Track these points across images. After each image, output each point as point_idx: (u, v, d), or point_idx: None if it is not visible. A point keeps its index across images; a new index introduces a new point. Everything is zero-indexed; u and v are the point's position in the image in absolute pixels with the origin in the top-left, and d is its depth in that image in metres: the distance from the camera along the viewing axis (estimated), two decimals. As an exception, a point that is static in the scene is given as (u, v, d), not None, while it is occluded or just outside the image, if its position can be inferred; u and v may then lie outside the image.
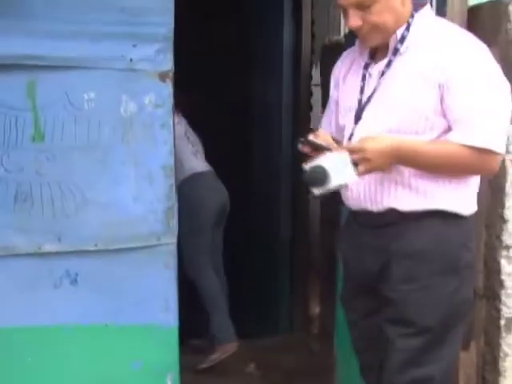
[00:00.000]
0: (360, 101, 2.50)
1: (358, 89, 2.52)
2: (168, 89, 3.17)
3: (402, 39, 2.42)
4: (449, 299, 2.44)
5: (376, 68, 2.49)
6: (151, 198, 3.18)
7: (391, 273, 2.46)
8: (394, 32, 2.43)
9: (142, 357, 3.23)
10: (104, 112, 3.11)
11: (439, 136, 2.39)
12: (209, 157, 4.79)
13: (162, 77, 3.16)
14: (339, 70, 2.71)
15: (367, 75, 2.51)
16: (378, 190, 2.44)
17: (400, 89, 2.40)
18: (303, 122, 5.18)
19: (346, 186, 2.36)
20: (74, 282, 3.15)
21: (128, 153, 3.15)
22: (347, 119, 2.55)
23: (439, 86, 2.34)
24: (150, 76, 3.15)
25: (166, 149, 3.20)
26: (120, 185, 3.15)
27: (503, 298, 3.17)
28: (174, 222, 3.23)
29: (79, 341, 3.18)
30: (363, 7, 2.37)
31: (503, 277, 3.16)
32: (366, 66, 2.53)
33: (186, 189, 4.51)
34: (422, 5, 2.49)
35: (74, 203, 3.11)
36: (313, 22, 5.16)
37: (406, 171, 2.40)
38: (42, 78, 3.05)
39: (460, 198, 2.44)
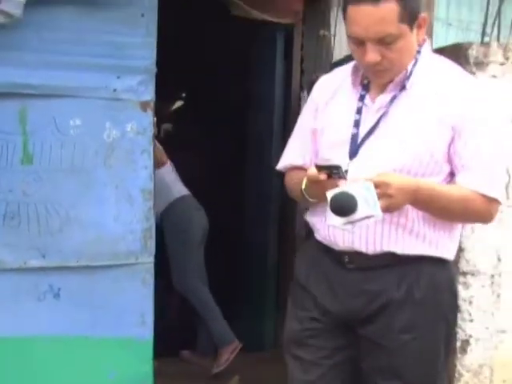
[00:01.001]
0: (355, 135, 2.18)
1: (351, 122, 2.20)
2: (149, 118, 3.22)
3: (409, 75, 2.17)
4: (439, 348, 2.22)
5: (378, 102, 2.19)
6: (131, 219, 3.22)
7: (390, 321, 2.18)
8: (405, 68, 2.17)
9: (118, 368, 3.25)
10: (88, 137, 3.16)
11: (443, 181, 2.18)
12: (206, 182, 4.86)
13: (144, 106, 3.21)
14: (319, 94, 2.39)
15: (363, 108, 2.21)
16: (378, 232, 2.16)
17: (410, 127, 2.14)
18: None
19: (371, 219, 2.03)
20: (57, 296, 3.18)
21: (110, 176, 3.19)
22: (336, 154, 2.18)
23: (452, 130, 2.13)
24: (133, 105, 3.20)
25: (145, 173, 3.24)
26: (102, 206, 3.19)
27: (459, 322, 3.16)
28: (152, 242, 3.26)
29: (60, 351, 3.20)
30: (385, 43, 2.08)
31: (459, 302, 3.14)
32: (362, 98, 2.23)
33: (176, 209, 4.66)
34: (424, 40, 2.24)
35: (58, 222, 3.15)
36: (302, 60, 5.19)
37: (411, 214, 2.16)
38: (33, 105, 3.11)
39: (452, 243, 2.26)
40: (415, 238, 2.17)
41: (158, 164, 4.40)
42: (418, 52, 2.19)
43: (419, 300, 2.17)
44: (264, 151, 5.39)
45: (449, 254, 2.25)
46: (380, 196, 1.99)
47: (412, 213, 2.15)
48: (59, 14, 3.08)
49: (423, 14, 2.13)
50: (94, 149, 3.16)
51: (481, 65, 3.17)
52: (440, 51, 3.26)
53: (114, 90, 3.16)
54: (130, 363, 3.24)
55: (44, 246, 3.13)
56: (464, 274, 3.14)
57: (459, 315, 3.14)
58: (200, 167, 6.08)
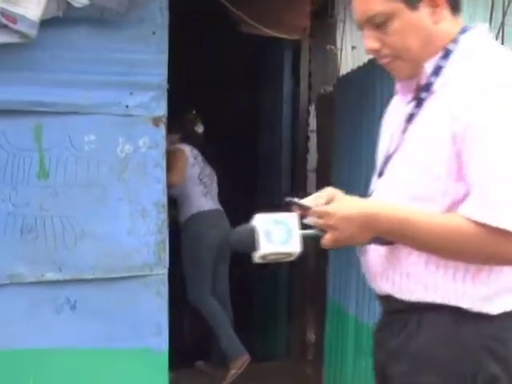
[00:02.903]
0: (388, 150, 1.78)
1: (389, 136, 1.81)
2: (161, 132, 3.23)
3: (438, 71, 1.66)
4: None
5: (407, 109, 1.73)
6: (144, 232, 3.21)
7: (390, 373, 1.75)
8: (424, 59, 1.69)
9: (134, 379, 3.24)
10: (102, 153, 3.17)
11: (453, 205, 1.63)
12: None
13: (156, 121, 3.22)
14: (387, 113, 1.93)
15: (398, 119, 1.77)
16: (378, 271, 1.76)
17: (424, 142, 1.66)
18: (301, 162, 5.23)
19: (290, 257, 1.69)
20: (73, 308, 3.18)
21: (124, 190, 3.19)
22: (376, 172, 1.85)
23: (453, 139, 1.60)
24: (145, 121, 3.21)
25: (158, 187, 3.24)
26: (116, 219, 3.19)
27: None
28: (165, 255, 3.25)
29: (76, 363, 3.20)
30: (378, 26, 1.67)
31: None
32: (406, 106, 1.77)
33: (191, 225, 4.65)
34: (462, 24, 1.71)
35: (73, 236, 3.15)
36: (310, 74, 5.21)
37: (402, 252, 1.69)
38: (48, 123, 3.13)
39: (477, 291, 1.63)
40: (413, 282, 1.68)
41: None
42: (455, 41, 1.68)
43: (417, 353, 1.67)
44: (274, 165, 5.39)
45: (476, 305, 1.63)
46: (323, 227, 1.64)
47: (406, 249, 1.67)
48: (72, 33, 3.10)
49: None
50: (107, 164, 3.17)
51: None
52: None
53: (127, 107, 3.18)
54: (146, 374, 3.23)
55: (60, 259, 3.14)
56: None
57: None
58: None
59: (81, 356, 3.19)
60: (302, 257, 4.86)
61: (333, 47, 4.91)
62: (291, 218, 1.67)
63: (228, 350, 4.53)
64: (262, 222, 1.66)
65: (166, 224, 3.25)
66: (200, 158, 4.79)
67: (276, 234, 1.65)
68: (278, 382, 4.64)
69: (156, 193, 3.22)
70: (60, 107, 3.12)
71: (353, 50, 4.73)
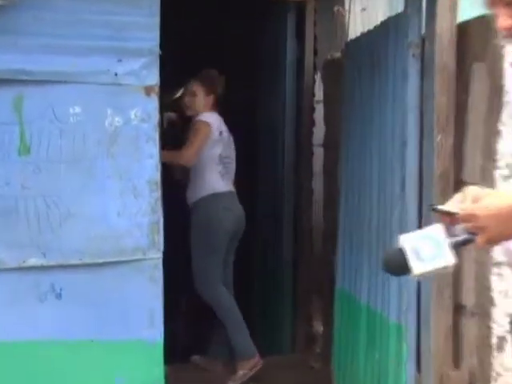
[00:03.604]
0: None
1: None
2: (153, 103, 3.25)
3: None
4: None
5: None
6: (136, 212, 3.25)
7: None
8: None
9: (126, 372, 3.29)
10: (89, 126, 3.20)
11: None
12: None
13: (148, 91, 3.24)
14: None
15: None
16: None
17: None
18: (306, 137, 5.24)
19: (446, 269, 1.76)
20: (59, 296, 3.21)
21: (113, 167, 3.22)
22: None
23: None
24: (136, 90, 3.23)
25: (151, 163, 3.27)
26: (105, 198, 3.23)
27: (494, 316, 3.16)
28: (160, 237, 3.28)
29: (63, 356, 3.24)
30: (508, 3, 1.79)
31: (494, 294, 3.14)
32: None
33: (205, 207, 4.58)
34: None
35: (58, 217, 3.18)
36: (315, 39, 5.20)
37: None
38: (29, 93, 3.15)
39: None
40: None
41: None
42: None
43: None
44: (276, 140, 5.41)
45: None
46: (474, 231, 1.71)
47: None
48: (56, -7, 3.11)
49: None
50: (95, 138, 3.20)
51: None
52: (466, 25, 3.30)
53: (116, 75, 3.20)
54: (140, 367, 3.27)
55: (44, 243, 3.16)
56: (498, 264, 3.13)
57: (494, 309, 3.15)
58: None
59: (67, 348, 3.23)
60: (307, 241, 4.84)
61: (341, 8, 4.90)
62: (436, 230, 1.73)
63: (239, 349, 4.52)
64: (408, 241, 1.72)
65: (159, 203, 3.27)
66: (226, 133, 4.70)
67: (425, 251, 1.71)
68: (283, 377, 4.68)
69: (149, 169, 3.25)
70: (42, 75, 3.14)
71: (362, 12, 4.73)
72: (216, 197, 4.60)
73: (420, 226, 3.42)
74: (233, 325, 4.53)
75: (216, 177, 4.61)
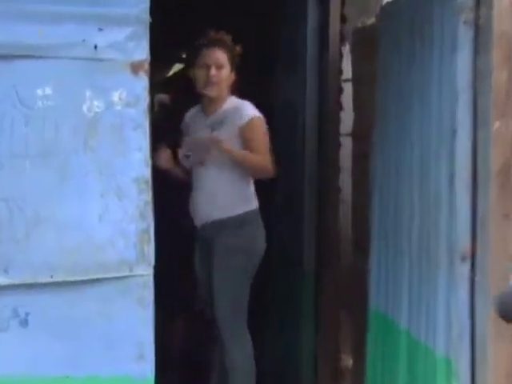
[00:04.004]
0: None
1: None
2: (142, 83, 3.21)
3: None
4: None
5: None
6: (121, 218, 3.21)
7: None
8: None
9: (109, 416, 3.25)
10: (63, 111, 3.16)
11: None
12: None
13: (135, 68, 3.19)
14: None
15: None
16: None
17: None
18: (332, 125, 5.17)
19: None
20: (24, 323, 3.17)
21: (92, 162, 3.19)
22: None
23: None
24: (120, 67, 3.19)
25: (139, 157, 3.22)
26: (82, 201, 3.19)
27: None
28: (150, 248, 3.24)
29: (32, 396, 3.20)
30: None
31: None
32: None
33: (248, 223, 4.50)
34: None
35: (24, 224, 3.14)
36: (343, 2, 5.12)
37: None
38: (-15, 70, 3.11)
39: None
40: None
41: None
42: None
43: None
44: (296, 128, 5.38)
45: None
46: None
47: None
48: None
49: None
50: (70, 126, 3.16)
51: None
52: None
53: (95, 48, 3.16)
54: (126, 410, 3.24)
55: (6, 256, 3.13)
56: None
57: None
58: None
59: (37, 387, 3.20)
60: (333, 248, 4.81)
61: (374, -35, 4.85)
62: None
63: None
64: None
65: (150, 206, 3.23)
66: None
67: None
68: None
69: (136, 165, 3.22)
70: (3, 49, 3.09)
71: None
72: (258, 212, 4.57)
73: (474, 233, 3.39)
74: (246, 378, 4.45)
75: (253, 187, 4.58)
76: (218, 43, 4.43)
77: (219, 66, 4.40)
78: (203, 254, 4.57)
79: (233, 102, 4.48)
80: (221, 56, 4.42)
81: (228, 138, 4.35)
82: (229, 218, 4.44)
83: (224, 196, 4.43)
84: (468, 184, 3.46)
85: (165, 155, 4.50)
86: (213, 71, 4.38)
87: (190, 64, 4.54)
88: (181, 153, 4.50)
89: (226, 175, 4.40)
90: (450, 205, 3.48)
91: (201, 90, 4.45)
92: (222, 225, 4.44)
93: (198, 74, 4.43)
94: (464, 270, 3.37)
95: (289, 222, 5.52)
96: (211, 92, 4.43)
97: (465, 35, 3.40)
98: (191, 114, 4.66)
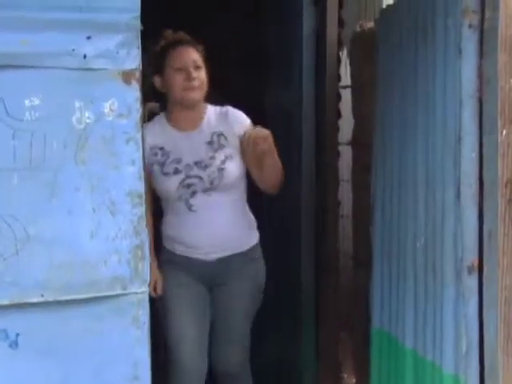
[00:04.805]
0: None
1: None
2: (134, 93, 3.24)
3: None
4: None
5: None
6: (114, 234, 3.24)
7: None
8: None
9: None
10: (51, 123, 3.17)
11: None
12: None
13: (127, 77, 3.22)
14: None
15: None
16: None
17: None
18: (329, 134, 5.19)
19: None
20: (14, 344, 3.18)
21: (83, 176, 3.20)
22: None
23: None
24: (111, 76, 3.21)
25: (132, 170, 3.25)
26: (73, 217, 3.20)
27: None
28: (145, 265, 3.27)
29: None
30: None
31: None
32: None
33: (261, 251, 4.41)
34: None
35: (13, 242, 3.15)
36: (341, 4, 5.15)
37: None
38: (-30, 81, 3.12)
39: None
40: None
41: None
42: None
43: None
44: (291, 137, 5.40)
45: None
46: None
47: None
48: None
49: None
50: (59, 139, 3.17)
51: None
52: None
53: (85, 57, 3.18)
54: None
55: (-6, 275, 3.13)
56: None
57: None
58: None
59: (26, 412, 3.20)
60: (333, 266, 4.84)
61: (372, -34, 4.91)
62: None
63: None
64: None
65: (144, 221, 3.26)
66: None
67: None
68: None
69: (129, 179, 3.24)
70: None
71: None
72: None
73: (481, 246, 3.40)
74: None
75: None
76: (191, 42, 4.15)
77: (197, 66, 4.09)
78: (199, 295, 4.23)
79: (214, 109, 4.22)
80: (196, 56, 4.12)
81: (235, 150, 4.14)
82: (248, 249, 4.27)
83: (242, 223, 4.23)
84: (474, 195, 3.45)
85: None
86: (194, 73, 4.06)
87: (155, 70, 4.15)
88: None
89: (236, 196, 4.21)
90: (456, 216, 3.48)
91: (180, 95, 4.08)
92: (241, 257, 4.24)
93: (174, 77, 4.08)
94: (472, 283, 3.37)
95: (284, 240, 5.53)
96: (195, 95, 4.09)
97: (470, 40, 3.40)
98: (156, 137, 4.21)
